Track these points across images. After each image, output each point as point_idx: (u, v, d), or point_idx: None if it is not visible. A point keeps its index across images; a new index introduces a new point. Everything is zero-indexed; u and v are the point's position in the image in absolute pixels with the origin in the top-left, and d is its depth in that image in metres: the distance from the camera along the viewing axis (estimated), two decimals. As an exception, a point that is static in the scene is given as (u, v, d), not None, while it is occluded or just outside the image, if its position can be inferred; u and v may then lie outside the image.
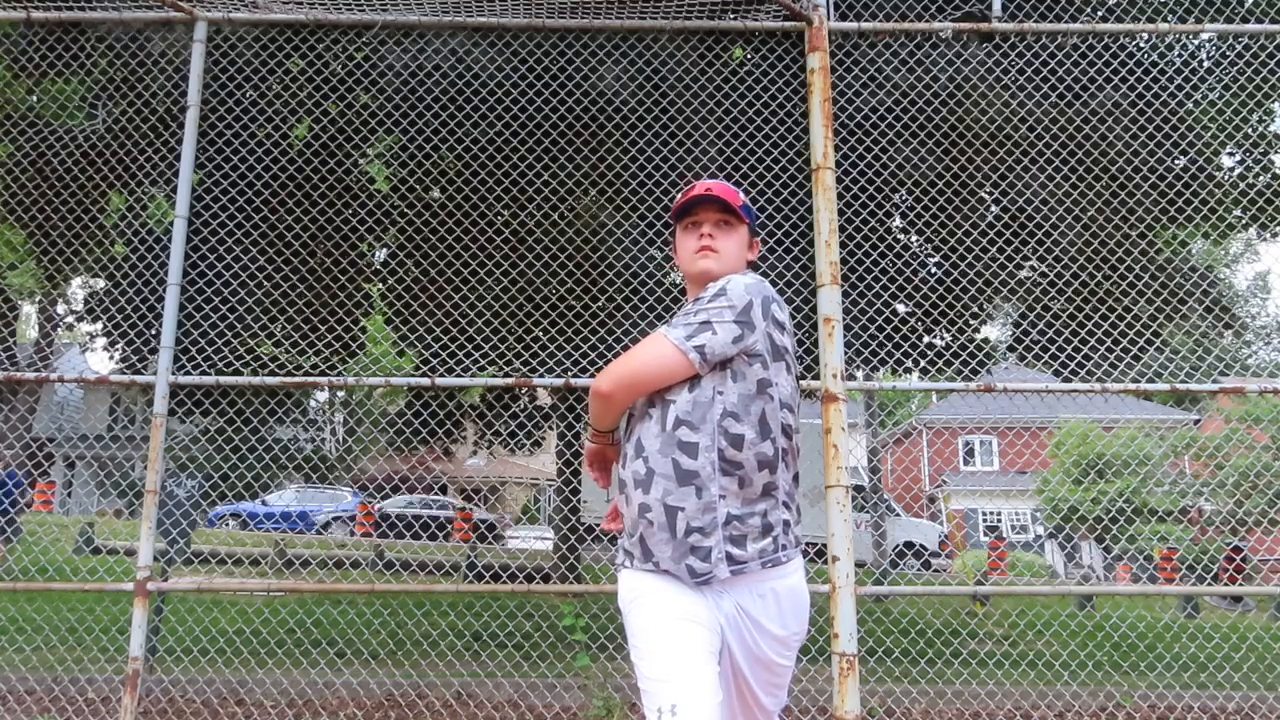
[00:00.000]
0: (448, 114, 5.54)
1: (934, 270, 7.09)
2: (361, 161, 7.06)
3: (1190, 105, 6.35)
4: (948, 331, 6.95)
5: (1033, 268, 6.66)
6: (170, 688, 5.46)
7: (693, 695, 1.86)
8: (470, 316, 6.54)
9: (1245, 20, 5.98)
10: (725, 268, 2.13)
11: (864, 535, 17.21)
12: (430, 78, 5.55)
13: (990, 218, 6.31)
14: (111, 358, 7.87)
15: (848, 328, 5.26)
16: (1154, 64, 5.78)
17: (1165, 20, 5.91)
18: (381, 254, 8.07)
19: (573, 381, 4.25)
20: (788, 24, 4.58)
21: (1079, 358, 6.11)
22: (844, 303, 4.19)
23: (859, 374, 7.63)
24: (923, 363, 7.39)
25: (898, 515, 21.23)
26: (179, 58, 5.63)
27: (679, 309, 2.18)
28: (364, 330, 7.86)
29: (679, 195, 2.20)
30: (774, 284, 5.85)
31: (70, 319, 19.92)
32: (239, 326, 6.13)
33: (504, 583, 8.51)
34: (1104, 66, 5.15)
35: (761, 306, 2.04)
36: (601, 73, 5.42)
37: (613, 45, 5.32)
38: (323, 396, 24.77)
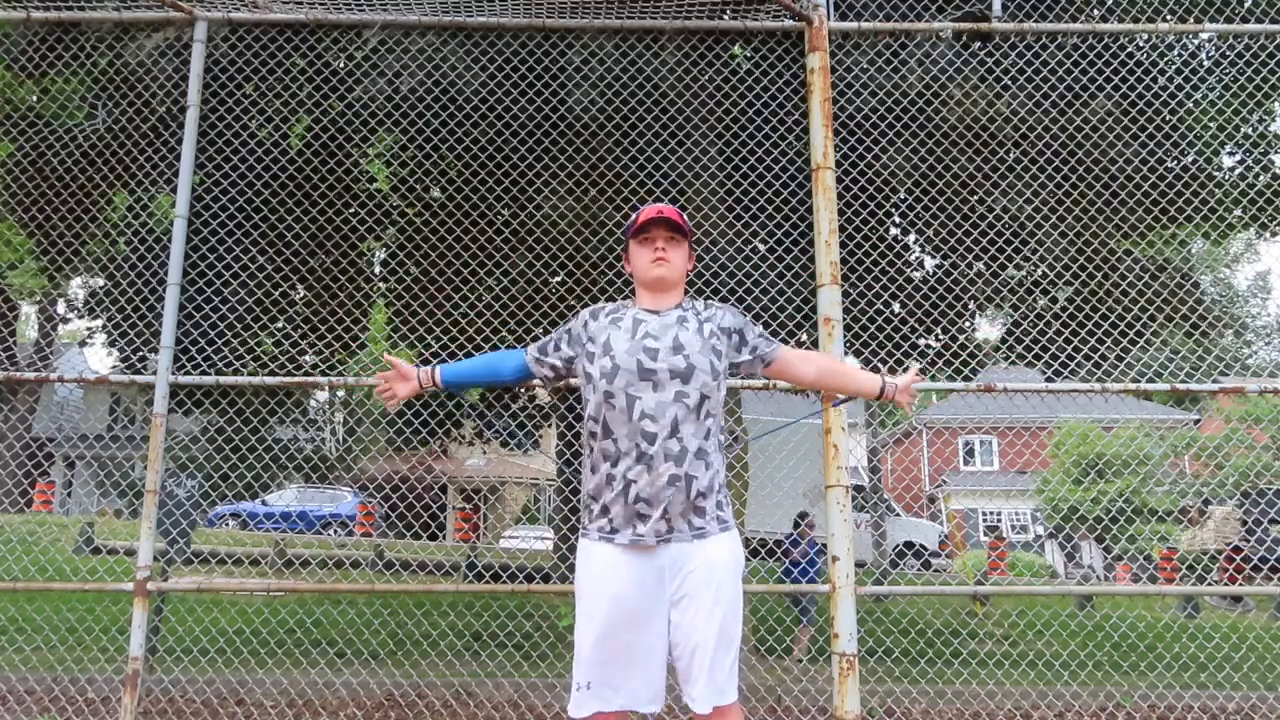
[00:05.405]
0: (448, 114, 5.54)
1: (934, 270, 7.09)
2: (362, 161, 7.05)
3: (1190, 105, 6.35)
4: (946, 332, 6.95)
5: (1033, 267, 6.65)
6: (170, 688, 5.46)
7: None
8: (470, 316, 6.53)
9: (1245, 20, 5.98)
10: (674, 274, 2.51)
11: (864, 535, 17.19)
12: (430, 77, 5.54)
13: (990, 217, 6.30)
14: (111, 357, 7.87)
15: (848, 328, 5.26)
16: (1154, 64, 5.77)
17: (1165, 20, 5.91)
18: (381, 254, 8.06)
19: (572, 381, 4.19)
20: (788, 24, 4.58)
21: (1079, 358, 6.11)
22: (844, 303, 4.19)
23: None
24: (922, 363, 7.38)
25: (898, 515, 21.21)
26: (179, 58, 5.63)
27: (704, 312, 2.52)
28: (364, 330, 7.84)
29: (635, 215, 2.54)
30: (774, 284, 5.86)
31: (70, 316, 19.91)
32: (239, 326, 6.13)
33: (504, 583, 8.51)
34: (1104, 66, 5.15)
35: None
36: (602, 73, 5.41)
37: (613, 45, 5.32)
38: (323, 396, 24.75)
